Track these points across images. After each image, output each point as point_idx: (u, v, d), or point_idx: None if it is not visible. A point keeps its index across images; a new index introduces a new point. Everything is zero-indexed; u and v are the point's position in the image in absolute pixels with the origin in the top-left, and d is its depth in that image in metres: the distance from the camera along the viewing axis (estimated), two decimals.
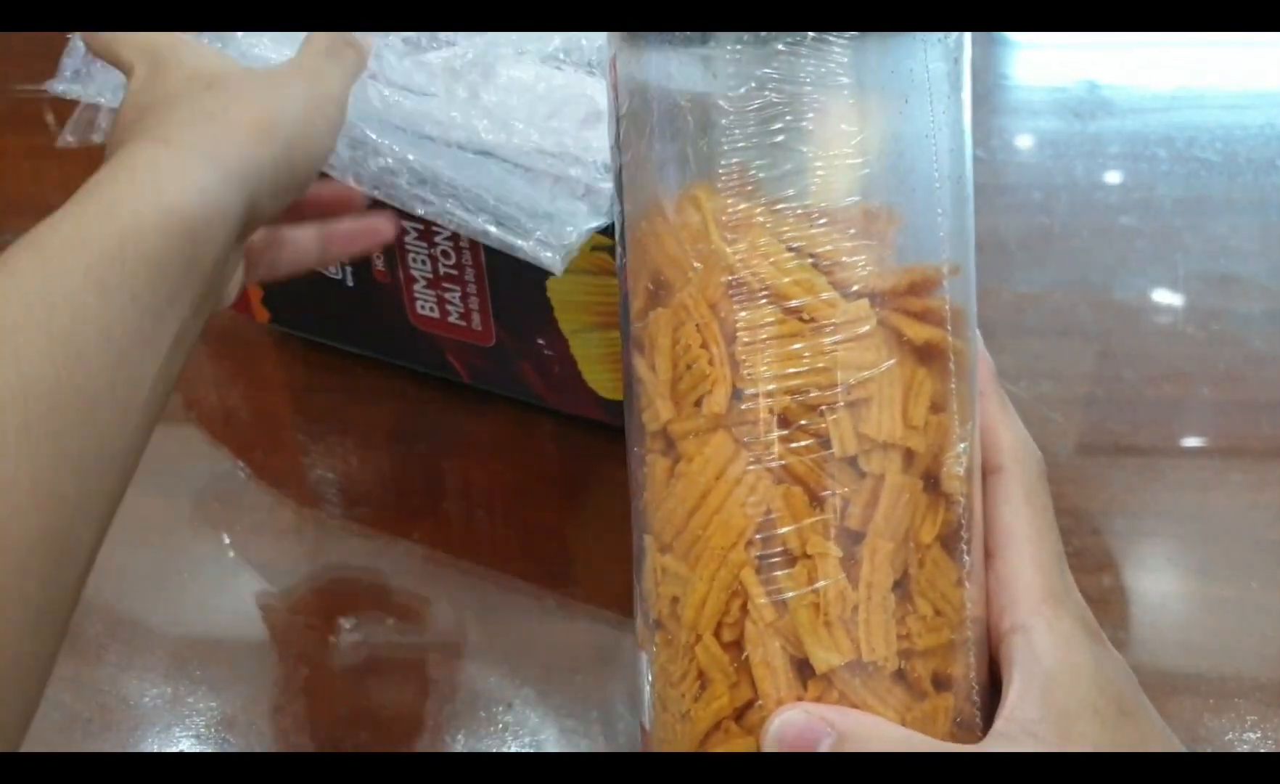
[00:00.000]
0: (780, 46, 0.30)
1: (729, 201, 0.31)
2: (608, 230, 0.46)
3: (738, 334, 0.31)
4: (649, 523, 0.34)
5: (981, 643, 0.33)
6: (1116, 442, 0.58)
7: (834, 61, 0.30)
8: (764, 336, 0.31)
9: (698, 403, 0.32)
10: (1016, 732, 0.29)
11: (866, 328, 0.31)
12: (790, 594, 0.31)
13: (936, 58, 0.32)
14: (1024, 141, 0.81)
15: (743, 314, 0.31)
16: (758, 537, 0.31)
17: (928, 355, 0.32)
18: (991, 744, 0.30)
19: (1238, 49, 0.88)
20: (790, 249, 0.31)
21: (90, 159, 0.86)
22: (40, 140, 0.84)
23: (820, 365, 0.31)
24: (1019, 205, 0.73)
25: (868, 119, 0.31)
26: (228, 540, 0.55)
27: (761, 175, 0.31)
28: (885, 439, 0.31)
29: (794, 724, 0.31)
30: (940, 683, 0.31)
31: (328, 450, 0.60)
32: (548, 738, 0.47)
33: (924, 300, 0.32)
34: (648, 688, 0.34)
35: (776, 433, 0.31)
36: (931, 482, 0.32)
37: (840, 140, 0.31)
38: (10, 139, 0.83)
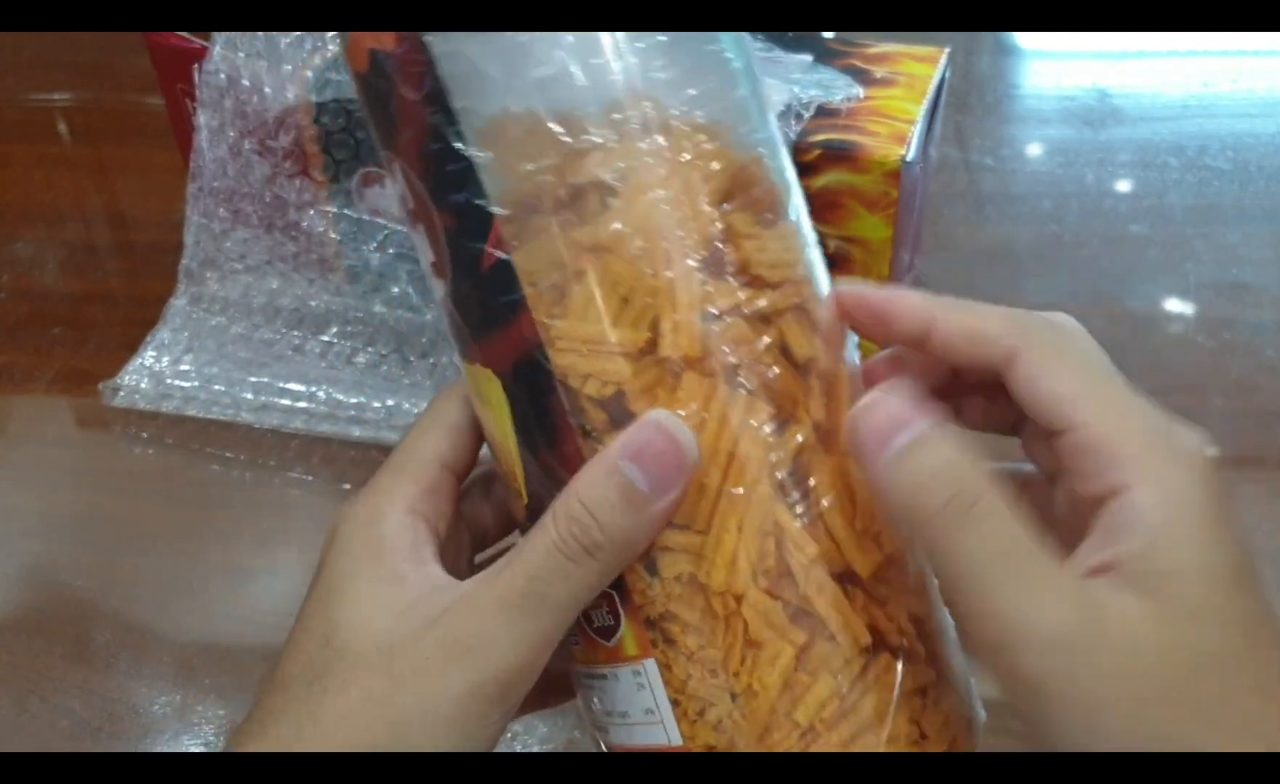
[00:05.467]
0: None
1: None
2: None
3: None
4: None
5: None
6: None
7: None
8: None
9: (644, 350, 0.28)
10: (1106, 588, 0.26)
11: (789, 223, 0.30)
12: (825, 504, 0.29)
13: None
14: (1034, 150, 0.80)
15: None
16: (772, 460, 0.28)
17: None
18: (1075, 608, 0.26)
19: (1248, 57, 0.87)
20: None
21: (96, 163, 0.86)
22: (52, 149, 0.84)
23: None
24: (1029, 214, 0.73)
25: None
26: (236, 548, 0.55)
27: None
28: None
29: (880, 408, 0.28)
30: None
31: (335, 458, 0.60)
32: (557, 746, 0.47)
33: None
34: (658, 704, 0.30)
35: (743, 349, 0.28)
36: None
37: None
38: (22, 148, 0.84)
